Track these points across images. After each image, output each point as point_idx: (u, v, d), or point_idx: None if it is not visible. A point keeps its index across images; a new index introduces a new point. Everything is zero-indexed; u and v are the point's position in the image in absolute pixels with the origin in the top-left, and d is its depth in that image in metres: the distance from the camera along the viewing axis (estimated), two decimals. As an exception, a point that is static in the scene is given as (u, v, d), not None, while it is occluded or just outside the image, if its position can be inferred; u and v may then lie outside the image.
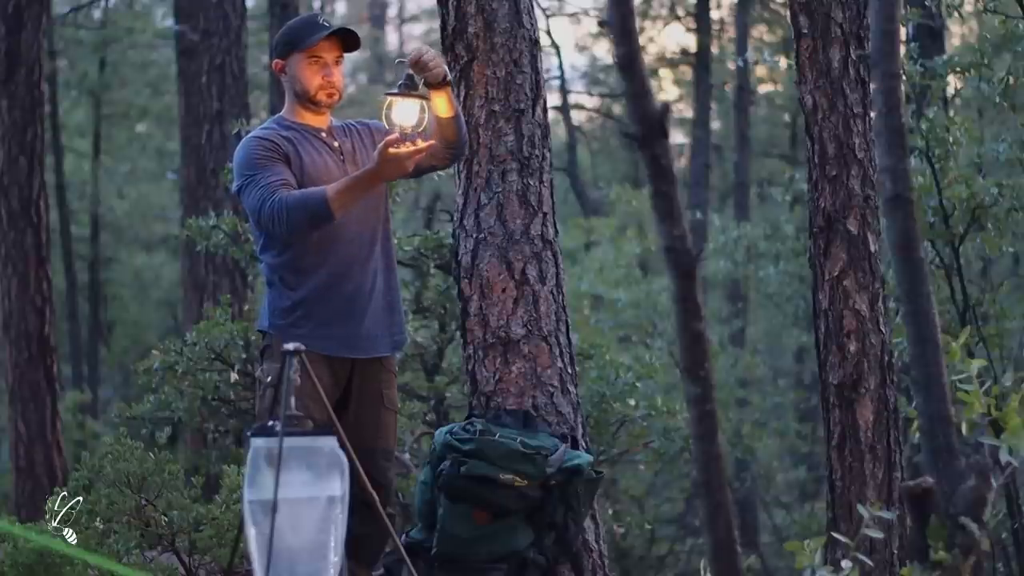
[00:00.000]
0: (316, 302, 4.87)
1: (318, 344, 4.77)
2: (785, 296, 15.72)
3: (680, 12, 22.39)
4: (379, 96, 25.13)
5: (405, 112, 4.73)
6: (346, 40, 4.91)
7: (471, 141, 5.62)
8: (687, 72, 22.51)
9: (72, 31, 18.40)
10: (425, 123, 4.73)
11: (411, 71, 4.70)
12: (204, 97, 11.54)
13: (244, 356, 7.19)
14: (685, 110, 23.51)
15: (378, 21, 28.78)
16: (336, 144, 4.95)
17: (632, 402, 8.18)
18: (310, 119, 4.96)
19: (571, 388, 5.56)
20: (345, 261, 4.88)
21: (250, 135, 5.00)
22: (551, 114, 7.93)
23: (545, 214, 5.62)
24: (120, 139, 21.36)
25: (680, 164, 21.70)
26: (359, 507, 4.39)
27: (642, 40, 21.20)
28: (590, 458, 5.33)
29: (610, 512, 10.26)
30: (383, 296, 4.94)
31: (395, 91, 4.72)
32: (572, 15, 23.15)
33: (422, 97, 4.73)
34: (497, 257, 5.56)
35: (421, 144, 4.66)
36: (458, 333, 6.64)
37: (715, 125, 22.28)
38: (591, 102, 24.50)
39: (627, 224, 19.42)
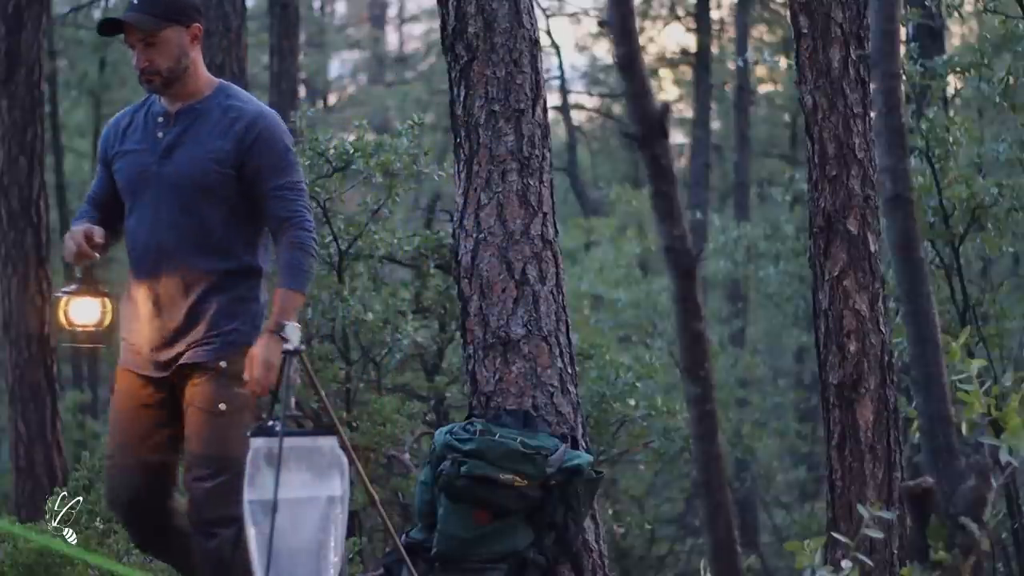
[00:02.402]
0: (124, 316, 4.58)
1: (126, 359, 4.57)
2: (785, 296, 15.72)
3: (680, 12, 22.41)
4: (379, 97, 24.94)
5: (83, 311, 4.49)
6: (146, 18, 4.48)
7: (471, 142, 5.62)
8: (687, 72, 22.52)
9: (72, 31, 18.39)
10: (107, 321, 4.49)
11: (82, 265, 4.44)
12: (204, 97, 11.53)
13: (244, 356, 7.18)
14: (685, 110, 23.52)
15: (378, 21, 28.77)
16: (160, 134, 4.54)
17: (632, 402, 8.19)
18: (165, 99, 4.58)
19: (571, 388, 5.56)
20: (136, 275, 4.54)
21: None
22: (551, 114, 7.93)
23: (545, 214, 5.62)
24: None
25: (680, 164, 21.70)
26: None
27: (642, 40, 21.20)
28: (590, 458, 5.33)
29: (610, 512, 10.26)
30: (186, 322, 4.47)
31: (70, 289, 4.47)
32: (572, 15, 23.22)
33: (102, 294, 4.50)
34: (497, 257, 5.56)
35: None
36: (458, 333, 6.64)
37: (715, 125, 22.30)
38: (591, 102, 24.54)
39: (627, 224, 19.44)
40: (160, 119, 4.54)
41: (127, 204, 4.57)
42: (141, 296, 4.51)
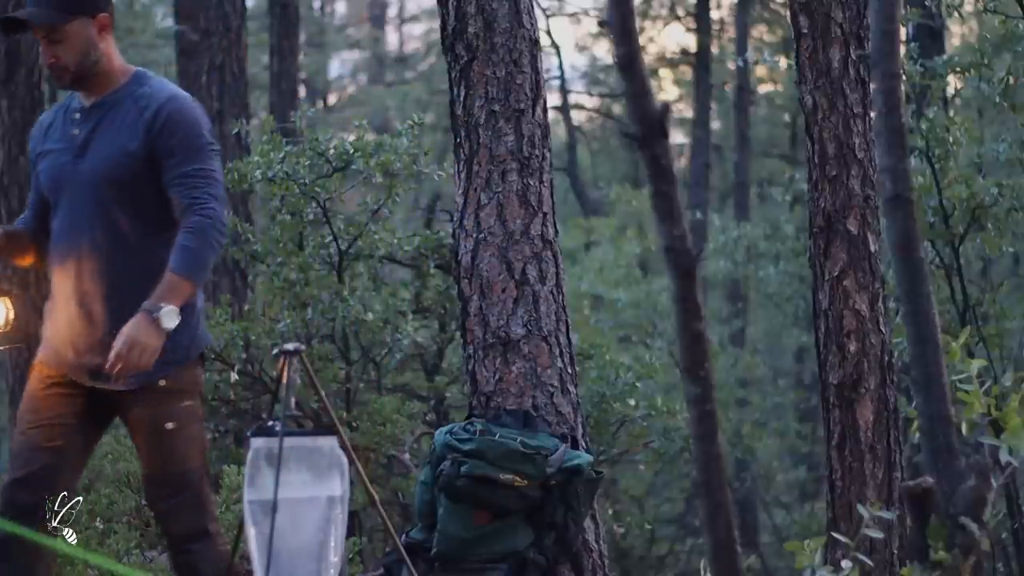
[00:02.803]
0: (46, 316, 4.43)
1: (47, 356, 4.38)
2: (785, 296, 15.72)
3: (680, 12, 22.41)
4: (379, 97, 24.91)
5: None
6: (48, 13, 4.26)
7: (471, 142, 5.62)
8: (687, 72, 22.52)
9: (72, 31, 18.38)
10: (10, 323, 4.41)
11: None
12: (204, 97, 11.51)
13: (244, 356, 7.19)
14: (685, 110, 23.52)
15: (378, 21, 28.77)
16: (76, 131, 4.33)
17: (632, 402, 8.19)
18: (81, 95, 4.37)
19: (571, 388, 5.56)
20: (57, 281, 4.35)
21: None
22: (551, 114, 7.93)
23: (545, 214, 5.62)
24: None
25: (680, 164, 21.70)
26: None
27: (642, 40, 21.20)
28: (590, 458, 5.33)
29: (610, 512, 10.26)
30: (108, 326, 4.23)
31: None
32: (572, 15, 23.19)
33: (5, 294, 4.44)
34: (497, 257, 5.56)
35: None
36: (458, 333, 6.64)
37: (715, 125, 22.29)
38: (591, 102, 24.52)
39: (627, 224, 19.42)
40: (76, 115, 4.34)
41: (52, 205, 4.37)
42: (64, 299, 4.32)
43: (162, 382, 4.28)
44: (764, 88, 23.16)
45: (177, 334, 4.19)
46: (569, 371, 5.57)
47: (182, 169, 4.23)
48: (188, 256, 4.15)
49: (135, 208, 4.27)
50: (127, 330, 4.08)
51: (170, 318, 4.10)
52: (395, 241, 7.53)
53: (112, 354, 4.09)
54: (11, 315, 4.42)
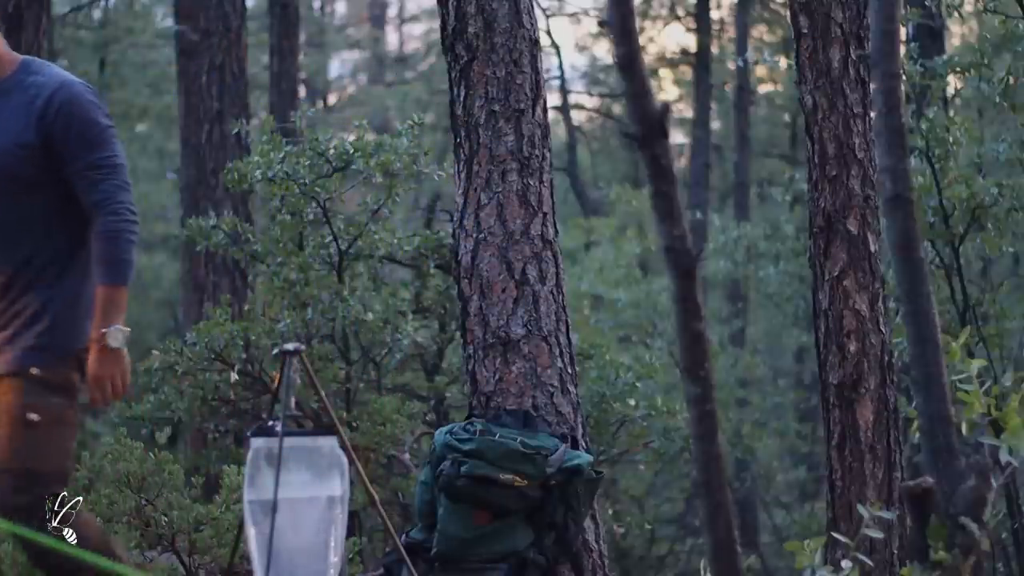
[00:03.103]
0: None
1: None
2: (785, 296, 15.72)
3: (680, 12, 22.41)
4: (379, 97, 24.92)
5: None
6: None
7: (471, 142, 5.62)
8: (687, 72, 22.52)
9: (72, 31, 18.39)
10: None
11: None
12: (204, 97, 11.53)
13: (244, 356, 7.19)
14: (685, 110, 23.52)
15: (378, 21, 28.77)
16: None
17: (632, 402, 8.19)
18: None
19: (571, 388, 5.56)
20: None
21: None
22: (551, 114, 7.93)
23: (545, 214, 5.62)
24: (120, 139, 21.29)
25: (680, 164, 21.70)
26: None
27: (642, 40, 21.20)
28: (590, 458, 5.33)
29: (610, 512, 10.26)
30: (9, 314, 4.14)
31: None
32: (572, 15, 23.21)
33: None
34: (497, 257, 5.56)
35: None
36: (458, 333, 6.64)
37: (715, 125, 22.29)
38: (591, 102, 24.54)
39: (627, 224, 19.42)
40: None
41: None
42: None
43: (34, 370, 4.13)
44: (764, 88, 23.17)
45: (55, 323, 4.13)
46: (569, 371, 5.57)
47: (83, 160, 4.15)
48: (110, 264, 4.14)
49: (32, 197, 4.17)
50: (91, 372, 4.11)
51: (116, 338, 4.11)
52: (395, 241, 7.53)
53: (93, 400, 4.14)
54: None
